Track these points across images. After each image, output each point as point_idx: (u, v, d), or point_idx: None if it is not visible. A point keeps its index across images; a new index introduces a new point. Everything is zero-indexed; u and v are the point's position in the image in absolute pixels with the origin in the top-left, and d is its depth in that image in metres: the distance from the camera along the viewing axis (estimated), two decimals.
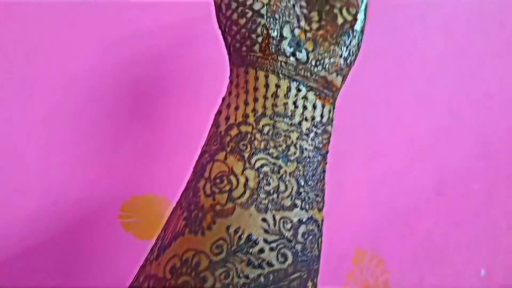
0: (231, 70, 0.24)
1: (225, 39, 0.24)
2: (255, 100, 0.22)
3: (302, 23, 0.23)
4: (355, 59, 0.24)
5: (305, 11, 0.24)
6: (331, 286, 0.46)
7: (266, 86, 0.22)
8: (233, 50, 0.23)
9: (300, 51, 0.22)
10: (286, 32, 0.22)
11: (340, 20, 0.24)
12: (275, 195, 0.21)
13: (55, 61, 0.34)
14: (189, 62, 0.39)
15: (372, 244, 0.48)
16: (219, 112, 0.23)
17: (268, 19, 0.22)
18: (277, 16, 0.22)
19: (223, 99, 0.23)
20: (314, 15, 0.24)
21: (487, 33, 0.55)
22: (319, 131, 0.22)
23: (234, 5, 0.22)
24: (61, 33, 0.34)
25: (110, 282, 0.35)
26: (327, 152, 0.23)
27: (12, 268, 0.33)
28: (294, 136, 0.22)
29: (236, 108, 0.22)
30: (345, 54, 0.23)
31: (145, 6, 0.36)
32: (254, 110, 0.22)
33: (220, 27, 0.24)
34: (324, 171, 0.23)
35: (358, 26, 0.24)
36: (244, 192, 0.20)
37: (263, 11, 0.22)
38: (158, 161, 0.37)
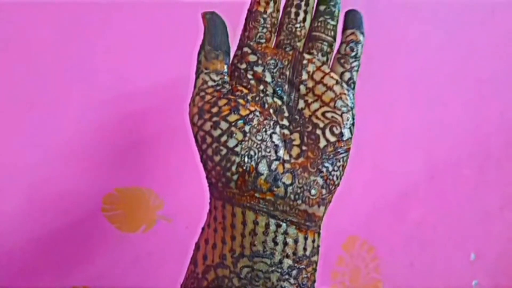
0: (210, 199, 0.22)
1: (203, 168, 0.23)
2: (233, 238, 0.20)
3: (281, 152, 0.22)
4: (339, 183, 0.23)
5: (286, 131, 0.23)
6: (320, 272, 0.46)
7: (244, 223, 0.20)
8: (209, 183, 0.22)
9: (278, 186, 0.21)
10: (262, 168, 0.21)
11: (322, 143, 0.22)
12: None
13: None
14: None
15: (363, 231, 0.48)
16: (197, 247, 0.22)
17: (243, 157, 0.21)
18: (252, 152, 0.21)
19: (203, 229, 0.22)
20: (296, 137, 0.23)
21: (478, 21, 0.54)
22: (302, 265, 0.21)
23: (209, 139, 0.21)
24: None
25: (96, 275, 0.35)
26: (314, 282, 0.22)
27: None
28: (274, 277, 0.20)
29: (214, 246, 0.21)
30: (327, 183, 0.22)
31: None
32: (231, 250, 0.20)
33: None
34: None
35: (342, 148, 0.23)
36: None
37: (238, 149, 0.21)
38: (141, 153, 0.36)
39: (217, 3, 0.39)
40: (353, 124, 0.24)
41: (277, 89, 0.24)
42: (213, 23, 0.23)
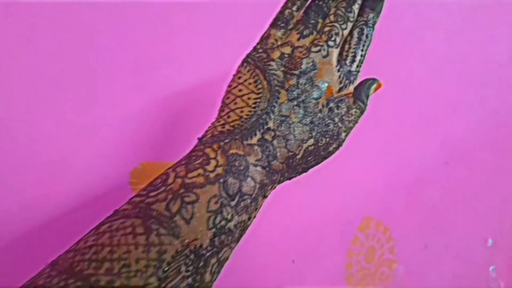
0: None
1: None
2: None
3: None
4: None
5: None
6: (336, 250, 0.47)
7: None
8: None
9: None
10: None
11: None
12: None
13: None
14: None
15: (378, 212, 0.49)
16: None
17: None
18: None
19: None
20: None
21: (499, 3, 0.54)
22: None
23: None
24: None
25: None
26: None
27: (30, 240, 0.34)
28: None
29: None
30: None
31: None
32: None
33: None
34: None
35: None
36: None
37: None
38: (167, 128, 0.38)
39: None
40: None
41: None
42: None
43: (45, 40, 0.35)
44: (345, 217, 0.47)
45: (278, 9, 0.30)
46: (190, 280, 0.21)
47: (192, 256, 0.21)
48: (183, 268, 0.21)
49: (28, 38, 0.34)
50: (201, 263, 0.22)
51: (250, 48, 0.29)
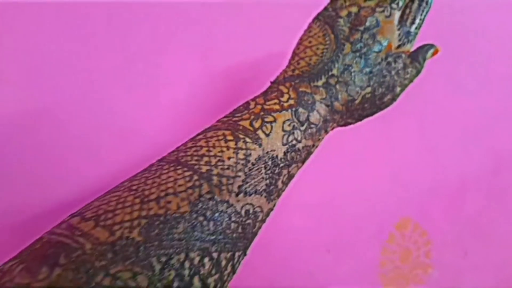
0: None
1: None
2: None
3: None
4: None
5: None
6: (371, 246, 0.48)
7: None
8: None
9: None
10: None
11: None
12: None
13: None
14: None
15: (417, 214, 0.50)
16: None
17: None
18: None
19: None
20: None
21: None
22: None
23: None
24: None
25: None
26: None
27: None
28: None
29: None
30: None
31: None
32: None
33: None
34: None
35: None
36: None
37: None
38: (224, 99, 0.42)
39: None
40: None
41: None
42: None
43: (121, 16, 0.40)
44: (383, 215, 0.48)
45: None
46: (267, 181, 0.26)
47: (270, 163, 0.26)
48: (263, 171, 0.26)
49: (106, 16, 0.40)
50: (276, 170, 0.27)
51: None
